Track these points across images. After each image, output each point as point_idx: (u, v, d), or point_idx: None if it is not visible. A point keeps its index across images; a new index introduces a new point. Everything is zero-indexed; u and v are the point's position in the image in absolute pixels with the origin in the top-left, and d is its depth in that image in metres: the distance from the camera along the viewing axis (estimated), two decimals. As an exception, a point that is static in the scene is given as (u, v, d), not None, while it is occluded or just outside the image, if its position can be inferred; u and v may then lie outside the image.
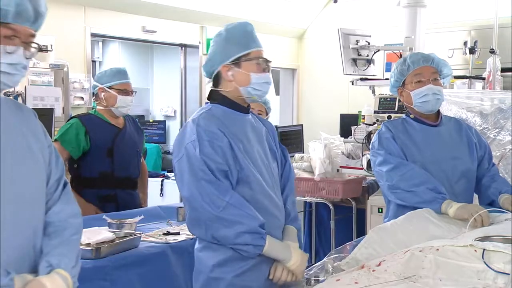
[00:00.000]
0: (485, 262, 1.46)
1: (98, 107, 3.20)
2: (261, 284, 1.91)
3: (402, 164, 2.33)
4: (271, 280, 1.93)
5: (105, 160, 3.08)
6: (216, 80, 2.00)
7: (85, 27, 5.16)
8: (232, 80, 1.95)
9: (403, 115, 2.60)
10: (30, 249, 1.35)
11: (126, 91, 3.15)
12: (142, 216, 2.66)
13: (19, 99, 4.42)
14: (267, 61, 1.98)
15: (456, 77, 4.41)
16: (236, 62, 1.94)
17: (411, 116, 2.48)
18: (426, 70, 2.41)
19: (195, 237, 2.53)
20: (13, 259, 1.29)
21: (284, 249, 1.92)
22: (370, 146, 2.58)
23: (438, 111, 2.50)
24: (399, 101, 4.15)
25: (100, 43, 7.59)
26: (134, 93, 3.22)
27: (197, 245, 1.99)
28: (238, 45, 1.94)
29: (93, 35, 5.28)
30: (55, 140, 3.08)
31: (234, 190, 1.87)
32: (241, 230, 1.82)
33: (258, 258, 1.90)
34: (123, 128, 3.20)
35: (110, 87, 3.13)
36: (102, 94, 3.14)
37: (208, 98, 2.02)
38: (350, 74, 4.42)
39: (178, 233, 2.63)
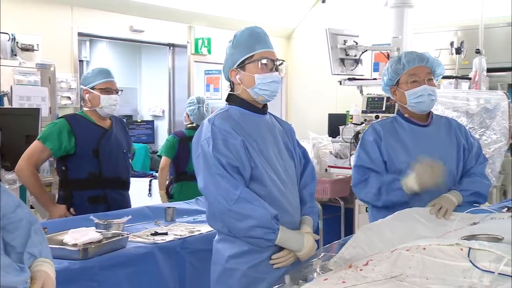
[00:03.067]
0: (471, 261, 1.47)
1: (85, 109, 3.19)
2: (274, 276, 1.96)
3: (365, 180, 2.42)
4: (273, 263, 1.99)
5: (92, 161, 3.06)
6: (231, 84, 2.10)
7: (72, 26, 5.13)
8: (240, 83, 2.05)
9: (392, 115, 2.61)
10: None
11: (109, 90, 3.14)
12: (130, 217, 2.65)
13: (5, 99, 4.38)
14: (273, 60, 2.05)
15: (443, 77, 4.43)
16: (242, 66, 2.03)
17: (406, 115, 2.49)
18: (421, 70, 2.41)
19: (183, 237, 2.57)
20: None
21: (297, 240, 2.00)
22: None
23: (430, 111, 2.52)
24: (387, 100, 4.18)
25: (88, 43, 7.54)
26: (119, 92, 3.20)
27: (216, 237, 2.08)
28: (243, 49, 2.03)
29: (80, 34, 5.25)
30: (37, 139, 3.06)
31: (249, 187, 1.96)
32: (252, 224, 1.91)
33: (273, 250, 1.98)
34: (109, 129, 3.18)
35: (93, 88, 3.12)
36: (87, 95, 3.13)
37: (227, 100, 2.13)
38: (338, 74, 4.44)
39: (166, 233, 2.62)
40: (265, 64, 2.03)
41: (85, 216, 2.71)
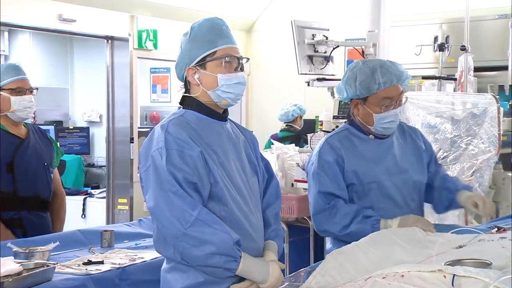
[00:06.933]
0: (455, 289, 1.50)
1: None
2: None
3: (329, 209, 2.45)
4: None
5: (5, 177, 3.02)
6: (187, 84, 2.09)
7: (-13, 14, 5.01)
8: (199, 83, 2.04)
9: (345, 124, 2.64)
10: None
11: (21, 89, 3.10)
12: (57, 243, 2.62)
13: None
14: (238, 58, 2.06)
15: (425, 78, 4.52)
16: (201, 64, 2.03)
17: (371, 127, 2.51)
18: (395, 91, 2.47)
19: (122, 266, 2.54)
20: None
21: (262, 269, 1.98)
22: (306, 165, 2.60)
23: None
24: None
25: (6, 34, 7.42)
26: (34, 90, 3.16)
27: (164, 265, 2.06)
28: (203, 44, 2.03)
29: (-3, 24, 5.14)
30: None
31: (207, 207, 1.94)
32: (210, 250, 1.89)
33: (232, 281, 1.97)
34: (26, 139, 3.14)
35: (1, 88, 3.07)
36: None
37: (181, 103, 2.11)
38: (306, 74, 4.47)
39: (101, 262, 2.60)
40: (228, 62, 2.04)
41: (2, 243, 2.65)
